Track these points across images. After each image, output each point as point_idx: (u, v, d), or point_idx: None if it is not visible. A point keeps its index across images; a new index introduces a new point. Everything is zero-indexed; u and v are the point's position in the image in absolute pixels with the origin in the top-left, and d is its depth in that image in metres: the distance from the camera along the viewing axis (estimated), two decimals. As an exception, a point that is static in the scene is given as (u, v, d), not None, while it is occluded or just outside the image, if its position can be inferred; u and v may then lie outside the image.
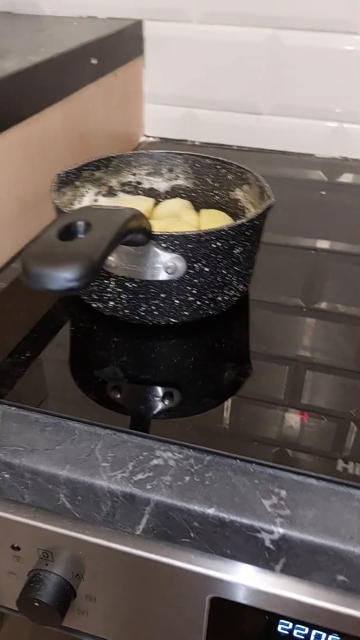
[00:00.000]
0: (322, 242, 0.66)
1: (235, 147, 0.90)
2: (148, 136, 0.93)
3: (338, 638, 0.39)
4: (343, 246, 0.66)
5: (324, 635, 0.39)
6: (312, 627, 0.39)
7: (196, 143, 0.91)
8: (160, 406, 0.44)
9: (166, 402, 0.44)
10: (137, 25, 0.85)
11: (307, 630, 0.39)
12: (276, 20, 0.80)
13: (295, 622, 0.39)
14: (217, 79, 0.86)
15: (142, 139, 0.93)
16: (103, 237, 0.30)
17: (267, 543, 0.36)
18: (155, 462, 0.39)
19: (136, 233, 0.37)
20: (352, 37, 0.78)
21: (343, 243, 0.66)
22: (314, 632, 0.39)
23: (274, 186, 0.52)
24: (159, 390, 0.45)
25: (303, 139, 0.86)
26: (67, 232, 0.34)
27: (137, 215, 0.36)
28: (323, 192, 0.79)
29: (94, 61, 0.73)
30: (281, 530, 0.35)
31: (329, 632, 0.39)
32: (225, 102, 0.87)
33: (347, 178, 0.83)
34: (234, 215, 0.58)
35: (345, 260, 0.63)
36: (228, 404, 0.44)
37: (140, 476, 0.38)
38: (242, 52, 0.83)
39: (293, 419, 0.42)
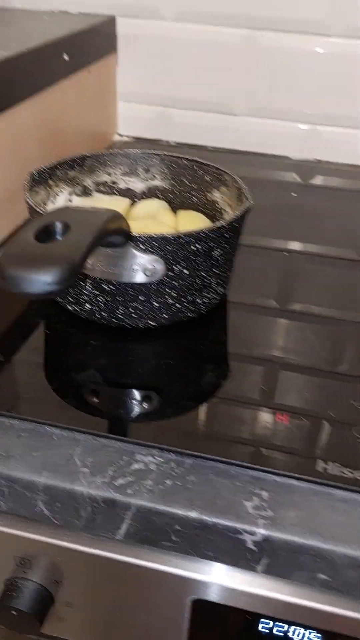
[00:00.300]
0: (296, 244, 0.67)
1: (210, 148, 0.90)
2: (122, 135, 0.92)
3: (317, 634, 0.39)
4: (316, 248, 0.66)
5: (302, 631, 0.40)
6: (291, 624, 0.39)
7: (171, 143, 0.91)
8: (139, 410, 0.44)
9: (145, 405, 0.44)
10: (110, 22, 0.84)
11: (286, 627, 0.40)
12: (252, 21, 0.80)
13: (275, 620, 0.40)
14: (192, 79, 0.86)
15: (116, 137, 0.92)
16: (83, 239, 0.30)
17: (250, 544, 0.36)
18: (135, 466, 0.39)
19: (115, 235, 0.37)
20: (323, 39, 0.79)
21: (316, 245, 0.67)
22: (292, 628, 0.40)
23: (249, 188, 0.52)
24: (138, 394, 0.45)
25: (278, 140, 0.87)
26: (45, 234, 0.33)
27: (117, 216, 0.35)
28: (297, 195, 0.80)
29: (66, 57, 0.72)
30: (263, 532, 0.35)
31: (308, 628, 0.39)
32: (200, 102, 0.87)
33: (320, 180, 0.84)
34: (211, 217, 0.58)
35: (319, 262, 0.64)
36: (208, 406, 0.44)
37: (120, 481, 0.38)
38: (217, 51, 0.83)
39: (273, 420, 0.43)
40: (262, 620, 0.39)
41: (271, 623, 0.39)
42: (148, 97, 0.89)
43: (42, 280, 0.29)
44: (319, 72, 0.81)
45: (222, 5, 0.80)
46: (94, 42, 0.80)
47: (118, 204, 0.58)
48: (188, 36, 0.83)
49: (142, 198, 0.61)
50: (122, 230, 0.38)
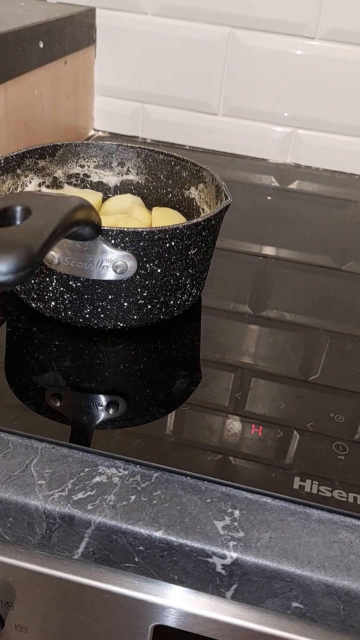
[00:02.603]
0: (271, 249, 0.65)
1: (188, 147, 0.87)
2: (97, 130, 0.89)
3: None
4: (292, 254, 0.64)
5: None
6: (261, 654, 0.37)
7: (147, 140, 0.88)
8: (104, 417, 0.40)
9: (111, 412, 0.41)
10: (90, 13, 0.81)
11: (256, 658, 0.37)
12: (234, 19, 0.78)
13: (244, 650, 0.37)
14: (171, 75, 0.83)
15: (92, 132, 0.89)
16: (45, 226, 0.26)
17: (219, 568, 0.33)
18: (97, 479, 0.35)
19: (83, 225, 0.33)
20: (305, 42, 0.78)
21: (292, 251, 0.65)
22: (263, 659, 0.37)
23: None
24: (104, 399, 0.42)
25: (257, 143, 0.85)
26: (2, 218, 0.30)
27: (85, 205, 0.32)
28: (274, 198, 0.78)
29: (41, 44, 0.68)
30: (234, 555, 0.32)
31: (279, 659, 0.37)
32: (178, 99, 0.84)
33: (298, 185, 0.82)
34: (188, 215, 0.55)
35: (294, 268, 0.62)
36: (178, 414, 0.41)
37: (80, 495, 0.34)
38: (198, 49, 0.81)
39: (247, 431, 0.40)
40: (229, 649, 0.37)
41: (239, 652, 0.36)
42: (125, 92, 0.86)
43: (-4, 270, 0.26)
44: (300, 74, 0.80)
45: (204, 2, 0.78)
46: (71, 33, 0.77)
47: (90, 197, 0.55)
48: (168, 31, 0.81)
49: (116, 193, 0.58)
50: (91, 222, 0.34)
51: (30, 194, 0.29)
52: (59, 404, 0.41)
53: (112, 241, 0.41)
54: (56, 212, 0.28)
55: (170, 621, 0.37)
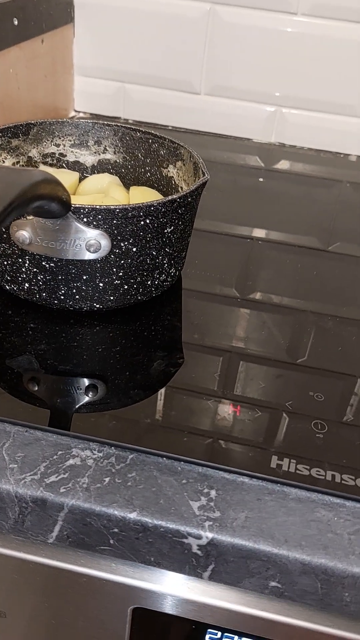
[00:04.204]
0: (257, 231, 0.64)
1: (170, 128, 0.86)
2: (78, 111, 0.87)
3: (269, 646, 0.36)
4: (277, 235, 0.63)
5: (254, 643, 0.36)
6: (241, 635, 0.36)
7: (129, 121, 0.86)
8: (81, 400, 0.39)
9: (86, 395, 0.40)
10: (67, -10, 0.79)
11: (236, 638, 0.36)
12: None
13: (224, 630, 0.36)
14: (152, 54, 0.81)
15: (72, 113, 0.87)
16: (1, 198, 0.25)
17: (195, 549, 0.32)
18: (71, 462, 0.35)
19: (48, 201, 0.32)
20: (289, 17, 0.76)
21: (277, 232, 0.64)
22: (243, 639, 0.37)
23: (210, 170, 0.48)
24: (81, 382, 0.41)
25: (241, 122, 0.84)
26: None
27: (50, 180, 0.31)
28: (260, 179, 0.77)
29: (15, 21, 0.66)
30: (210, 535, 0.32)
31: (258, 639, 0.36)
32: (160, 78, 0.83)
33: (284, 165, 0.81)
34: (166, 194, 0.54)
35: (280, 249, 0.61)
36: (157, 396, 0.40)
37: (53, 478, 0.34)
38: (178, 26, 0.79)
39: (225, 412, 0.39)
40: (209, 630, 0.36)
41: (219, 633, 0.36)
42: (106, 71, 0.84)
43: None
44: (283, 51, 0.78)
45: (185, -25, 0.76)
46: (47, 10, 0.75)
47: (66, 177, 0.54)
48: (148, 8, 0.79)
49: (93, 173, 0.57)
50: (57, 197, 0.33)
51: (-10, 167, 0.28)
52: (32, 388, 0.40)
53: (85, 219, 0.39)
54: (15, 185, 0.27)
55: (149, 603, 0.36)
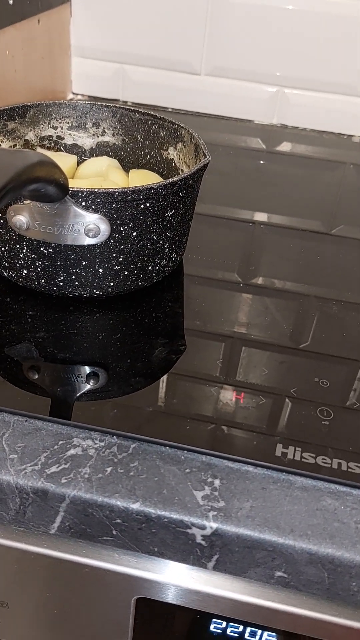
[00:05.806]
0: (259, 215, 0.63)
1: (171, 110, 0.84)
2: (76, 94, 0.86)
3: (274, 635, 0.36)
4: (280, 218, 0.62)
5: (259, 632, 0.36)
6: (246, 624, 0.36)
7: (128, 103, 0.84)
8: (82, 388, 0.39)
9: (87, 383, 0.39)
10: (63, -32, 0.77)
11: (241, 628, 0.36)
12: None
13: (229, 620, 0.36)
14: (151, 33, 0.79)
15: (70, 96, 0.85)
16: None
17: (199, 539, 0.32)
18: (72, 452, 0.34)
19: (45, 184, 0.31)
20: (293, -5, 0.74)
21: (280, 215, 0.63)
22: (248, 629, 0.36)
23: (211, 153, 0.47)
24: (82, 370, 0.40)
25: (242, 103, 0.82)
26: None
27: (47, 162, 0.30)
28: (262, 161, 0.75)
29: (10, 1, 0.65)
30: (214, 525, 0.31)
31: (264, 629, 0.36)
32: (159, 59, 0.81)
33: (285, 147, 0.79)
34: (167, 177, 0.53)
35: (283, 233, 0.60)
36: (159, 384, 0.40)
37: (54, 469, 0.33)
38: (178, 4, 0.77)
39: (228, 399, 0.38)
40: (214, 620, 0.36)
41: (224, 623, 0.36)
42: (104, 52, 0.82)
43: None
44: (285, 30, 0.76)
45: None
46: (43, -11, 0.73)
47: (64, 161, 0.52)
48: (147, -14, 0.77)
49: (92, 156, 0.55)
50: (54, 180, 0.32)
51: (-17, 148, 0.27)
52: (32, 376, 0.39)
53: (83, 203, 0.38)
54: (9, 167, 0.26)
55: (153, 593, 0.36)
